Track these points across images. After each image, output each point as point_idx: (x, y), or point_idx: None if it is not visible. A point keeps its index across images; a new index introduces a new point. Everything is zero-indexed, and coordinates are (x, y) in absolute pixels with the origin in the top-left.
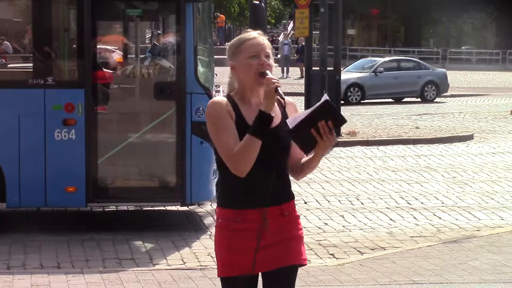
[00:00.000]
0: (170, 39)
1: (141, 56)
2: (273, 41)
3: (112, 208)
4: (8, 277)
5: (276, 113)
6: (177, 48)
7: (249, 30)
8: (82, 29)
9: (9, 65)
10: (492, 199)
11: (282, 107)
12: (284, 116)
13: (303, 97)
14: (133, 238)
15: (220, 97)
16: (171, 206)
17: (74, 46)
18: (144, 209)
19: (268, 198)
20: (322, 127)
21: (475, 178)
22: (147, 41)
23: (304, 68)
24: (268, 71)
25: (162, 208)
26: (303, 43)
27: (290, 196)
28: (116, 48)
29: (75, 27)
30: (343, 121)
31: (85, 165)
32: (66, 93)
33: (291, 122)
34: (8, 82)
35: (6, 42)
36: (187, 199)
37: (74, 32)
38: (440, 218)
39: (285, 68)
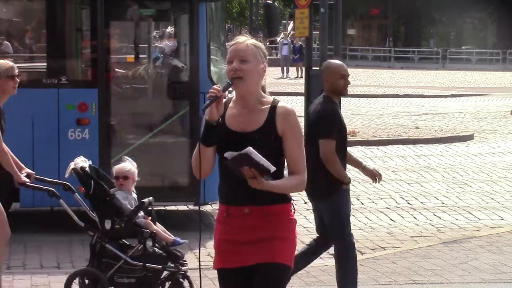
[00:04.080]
0: (171, 41)
1: (153, 56)
2: (272, 41)
3: None
4: (8, 277)
5: (257, 119)
6: (190, 48)
7: (241, 35)
8: (95, 29)
9: (22, 65)
10: (492, 199)
11: (271, 116)
12: (269, 124)
13: (303, 97)
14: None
15: (225, 99)
16: (184, 205)
17: (88, 46)
18: None
19: (249, 198)
20: (246, 171)
21: (475, 178)
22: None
23: (302, 68)
24: (233, 78)
25: (162, 208)
26: (300, 43)
27: (277, 199)
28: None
29: (89, 27)
30: (266, 170)
31: (99, 164)
32: (79, 93)
33: (229, 154)
34: (22, 81)
35: (6, 42)
36: (200, 199)
37: (87, 32)
38: (440, 218)
39: (285, 68)
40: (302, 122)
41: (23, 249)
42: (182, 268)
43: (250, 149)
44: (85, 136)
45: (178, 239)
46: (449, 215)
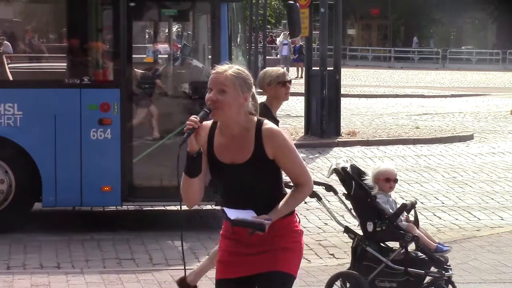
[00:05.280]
0: (165, 44)
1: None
2: (272, 41)
3: (112, 208)
4: (8, 277)
5: (245, 149)
6: (211, 48)
7: (225, 62)
8: (117, 29)
9: (45, 65)
10: (492, 199)
11: (258, 142)
12: (258, 152)
13: (303, 97)
14: (133, 238)
15: (206, 122)
16: (206, 205)
17: (110, 46)
18: (144, 209)
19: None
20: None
21: (475, 178)
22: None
23: (302, 68)
24: (208, 109)
25: (162, 208)
26: (301, 43)
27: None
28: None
29: (111, 27)
30: (260, 228)
31: (121, 164)
32: (101, 93)
33: (229, 212)
34: (44, 82)
35: (6, 42)
36: None
37: (109, 32)
38: (440, 218)
39: (285, 68)
40: (301, 121)
41: (23, 249)
42: (446, 273)
43: (233, 221)
44: (107, 136)
45: (441, 245)
46: (449, 215)
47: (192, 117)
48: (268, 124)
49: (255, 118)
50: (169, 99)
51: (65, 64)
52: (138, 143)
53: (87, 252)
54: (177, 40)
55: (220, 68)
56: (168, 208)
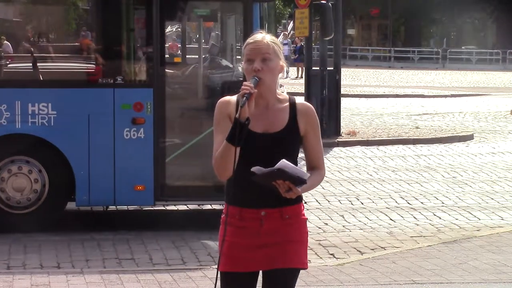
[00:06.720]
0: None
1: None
2: None
3: (112, 208)
4: (8, 277)
5: (280, 119)
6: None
7: (257, 32)
8: (150, 29)
9: (78, 65)
10: (492, 199)
11: (292, 114)
12: (293, 124)
13: (303, 97)
14: (133, 238)
15: (229, 97)
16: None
17: (143, 45)
18: (144, 209)
19: (265, 200)
20: (279, 185)
21: (475, 178)
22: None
23: (303, 68)
24: (257, 77)
25: (162, 208)
26: (302, 43)
27: (293, 200)
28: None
29: (144, 27)
30: (302, 181)
31: (154, 163)
32: (135, 93)
33: (257, 169)
34: (78, 81)
35: (6, 42)
36: None
37: (142, 32)
38: (440, 218)
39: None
40: None
41: (23, 249)
42: None
43: (283, 163)
44: (141, 135)
45: None
46: (449, 215)
47: (247, 83)
48: (302, 101)
49: (286, 94)
50: (200, 98)
51: (98, 64)
52: (171, 142)
53: (87, 252)
54: (176, 40)
55: (257, 37)
56: (169, 208)
